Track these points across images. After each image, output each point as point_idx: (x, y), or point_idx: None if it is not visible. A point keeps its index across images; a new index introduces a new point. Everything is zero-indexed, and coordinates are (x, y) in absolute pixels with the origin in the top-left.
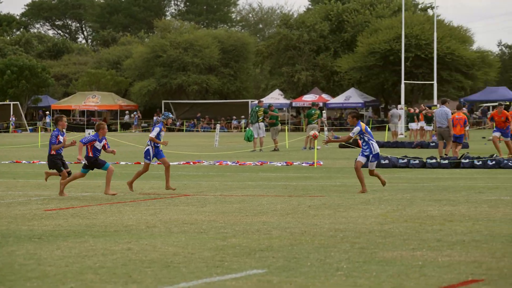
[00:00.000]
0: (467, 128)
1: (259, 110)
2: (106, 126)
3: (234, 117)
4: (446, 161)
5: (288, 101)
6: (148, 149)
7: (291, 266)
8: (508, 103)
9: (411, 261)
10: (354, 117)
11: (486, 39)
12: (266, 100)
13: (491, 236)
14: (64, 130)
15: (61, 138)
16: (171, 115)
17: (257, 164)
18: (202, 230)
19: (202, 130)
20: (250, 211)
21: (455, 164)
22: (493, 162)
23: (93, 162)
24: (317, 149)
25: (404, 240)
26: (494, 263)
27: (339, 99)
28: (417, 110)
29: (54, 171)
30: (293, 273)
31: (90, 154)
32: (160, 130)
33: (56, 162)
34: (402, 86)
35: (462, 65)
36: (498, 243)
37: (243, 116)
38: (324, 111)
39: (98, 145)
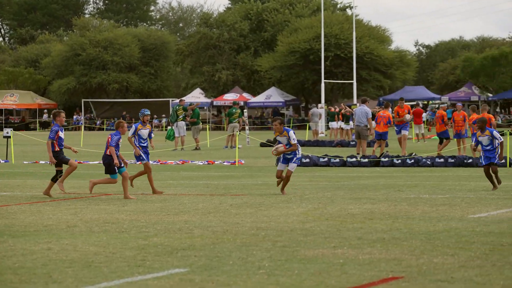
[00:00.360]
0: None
1: (179, 109)
2: (125, 124)
3: (155, 116)
4: (366, 160)
5: (209, 100)
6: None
7: (213, 265)
8: (426, 102)
9: (332, 259)
10: (281, 124)
11: (403, 39)
12: (187, 99)
13: (410, 233)
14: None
15: (61, 134)
16: (147, 112)
17: (179, 163)
18: (123, 229)
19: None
20: (172, 210)
21: (375, 162)
22: (412, 161)
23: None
24: (238, 148)
25: (325, 238)
26: (413, 260)
27: (260, 98)
28: (337, 109)
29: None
30: (215, 272)
31: (108, 153)
32: (136, 129)
33: (60, 158)
34: (322, 85)
35: (380, 64)
36: (417, 240)
37: (164, 115)
38: (245, 110)
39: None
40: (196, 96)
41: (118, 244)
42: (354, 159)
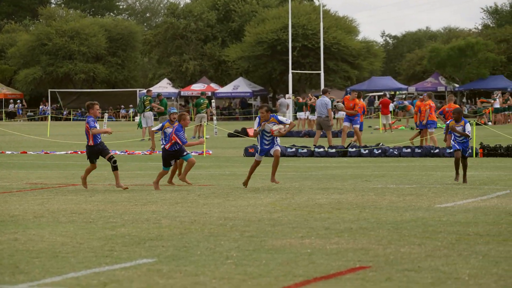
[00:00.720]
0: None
1: (146, 99)
2: (187, 116)
3: (123, 106)
4: (334, 150)
5: (176, 90)
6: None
7: (181, 255)
8: (393, 92)
9: (300, 249)
10: (268, 111)
11: (370, 30)
12: (155, 89)
13: (377, 223)
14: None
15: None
16: (172, 110)
17: (146, 153)
18: (90, 219)
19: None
20: (140, 200)
21: (342, 153)
22: (379, 151)
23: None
24: (206, 138)
25: (293, 228)
26: (380, 250)
27: (228, 88)
28: (305, 100)
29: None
30: (183, 262)
31: (166, 147)
32: (163, 126)
33: (93, 152)
34: (290, 75)
35: (348, 55)
36: (385, 230)
37: (131, 105)
38: (212, 101)
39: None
40: (164, 86)
41: (85, 234)
42: (321, 149)
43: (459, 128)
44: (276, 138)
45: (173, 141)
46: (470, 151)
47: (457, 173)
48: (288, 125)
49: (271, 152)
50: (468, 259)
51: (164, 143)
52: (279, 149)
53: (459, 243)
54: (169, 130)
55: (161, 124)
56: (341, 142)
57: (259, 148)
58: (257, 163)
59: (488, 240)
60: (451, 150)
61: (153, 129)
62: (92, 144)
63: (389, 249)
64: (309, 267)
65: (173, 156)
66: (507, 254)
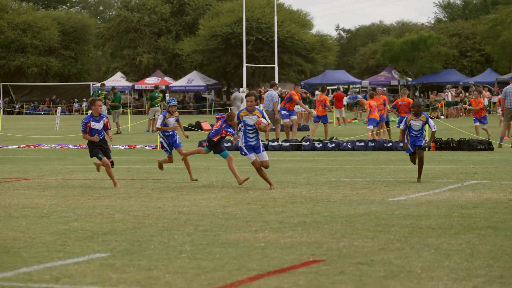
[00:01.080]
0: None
1: (101, 93)
2: (232, 117)
3: (76, 99)
4: (288, 144)
5: (130, 84)
6: (161, 142)
7: (134, 249)
8: (346, 86)
9: (253, 243)
10: (256, 100)
11: (324, 24)
12: (108, 83)
13: (331, 217)
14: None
15: (93, 124)
16: (172, 102)
17: None
18: (43, 214)
19: (43, 112)
20: (93, 194)
21: (297, 146)
22: (333, 145)
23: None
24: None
25: (247, 222)
26: (334, 243)
27: (182, 82)
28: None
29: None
30: (136, 256)
31: (215, 139)
32: (165, 118)
33: (93, 150)
34: (244, 69)
35: (302, 48)
36: (338, 224)
37: (84, 99)
38: (167, 94)
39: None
40: (117, 80)
41: (37, 229)
42: (275, 143)
43: (419, 123)
44: (259, 133)
45: (223, 135)
46: (425, 140)
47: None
48: (268, 124)
49: (262, 158)
50: (421, 252)
51: (164, 137)
52: (267, 159)
53: (412, 236)
54: (170, 121)
55: (162, 117)
56: (291, 136)
57: (244, 145)
58: (258, 164)
59: (440, 233)
60: (407, 152)
61: (158, 125)
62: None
63: (342, 243)
64: (263, 261)
65: (216, 145)
66: (459, 247)
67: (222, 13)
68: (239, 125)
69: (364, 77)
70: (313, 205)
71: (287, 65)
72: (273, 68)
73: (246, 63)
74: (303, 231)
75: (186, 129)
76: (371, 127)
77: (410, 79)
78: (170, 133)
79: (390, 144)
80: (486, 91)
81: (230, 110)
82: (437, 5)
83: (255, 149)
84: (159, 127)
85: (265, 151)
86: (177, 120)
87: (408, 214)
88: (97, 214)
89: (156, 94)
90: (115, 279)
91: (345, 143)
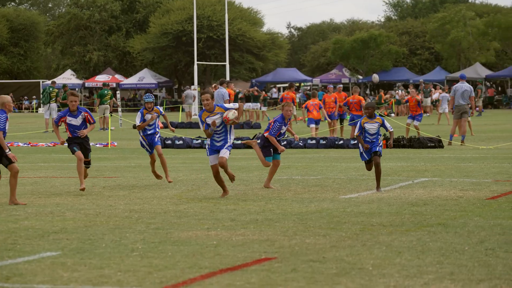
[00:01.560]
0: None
1: (52, 91)
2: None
3: (26, 97)
4: (239, 142)
5: (80, 81)
6: (140, 142)
7: (85, 247)
8: (298, 84)
9: (206, 241)
10: (213, 98)
11: (275, 21)
12: (59, 80)
13: (283, 214)
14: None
15: (69, 119)
16: (148, 98)
17: (50, 145)
18: None
19: None
20: (43, 193)
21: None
22: (284, 142)
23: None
24: (111, 129)
25: (199, 220)
26: (286, 241)
27: (133, 79)
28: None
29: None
30: (87, 255)
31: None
32: (142, 115)
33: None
34: (195, 67)
35: (253, 46)
36: (290, 221)
37: (34, 97)
38: (117, 92)
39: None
40: (68, 78)
41: None
42: None
43: (375, 125)
44: (230, 130)
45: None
46: (381, 145)
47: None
48: (237, 110)
49: (220, 154)
50: (372, 249)
51: (143, 136)
52: (226, 156)
53: (363, 234)
54: (148, 116)
55: (140, 115)
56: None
57: (209, 148)
58: (216, 170)
59: (391, 230)
60: (362, 159)
61: (137, 123)
62: (70, 136)
63: (294, 240)
64: (215, 258)
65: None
66: (410, 244)
67: (173, 10)
68: (209, 129)
69: (315, 75)
70: (265, 202)
71: (238, 63)
72: (224, 66)
73: (197, 61)
74: (255, 229)
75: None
76: (312, 125)
77: (360, 77)
78: (150, 131)
79: (341, 141)
80: (438, 89)
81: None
82: (386, 3)
83: (218, 148)
84: (139, 124)
85: (227, 150)
86: (161, 115)
87: (359, 211)
88: (47, 212)
89: (106, 91)
90: (66, 277)
91: (296, 142)
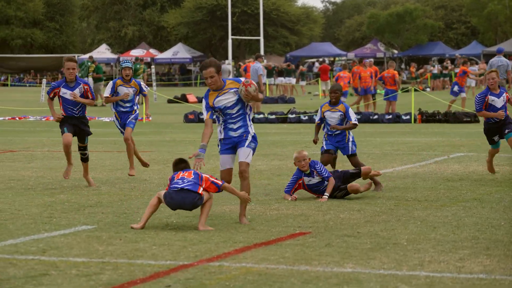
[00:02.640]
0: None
1: (91, 65)
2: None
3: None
4: (273, 116)
5: (115, 56)
6: (113, 120)
7: (120, 221)
8: (332, 58)
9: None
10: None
11: None
12: (94, 54)
13: None
14: None
15: (66, 93)
16: (125, 63)
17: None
18: (29, 186)
19: (28, 84)
20: (79, 167)
21: (282, 119)
22: None
23: None
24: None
25: (233, 196)
26: (320, 216)
27: (167, 54)
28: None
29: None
30: (122, 229)
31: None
32: (114, 85)
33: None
34: (229, 41)
35: (287, 21)
36: None
37: None
38: (152, 66)
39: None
40: (102, 52)
41: (24, 201)
42: (261, 115)
43: (335, 115)
44: (250, 113)
45: None
46: (353, 147)
47: (373, 181)
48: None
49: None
50: (407, 224)
51: (116, 113)
52: (247, 161)
53: (398, 209)
54: (122, 89)
55: (111, 85)
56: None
57: (221, 142)
58: (229, 179)
59: (426, 205)
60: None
61: (105, 94)
62: (63, 114)
63: (328, 215)
64: (249, 233)
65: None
66: (445, 219)
67: None
68: (214, 115)
69: (350, 49)
70: None
71: (272, 38)
72: (259, 40)
73: (231, 36)
74: (289, 203)
75: (171, 101)
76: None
77: (395, 51)
78: (126, 109)
79: (376, 116)
80: (483, 63)
81: None
82: None
83: (235, 145)
84: (107, 96)
85: (250, 149)
86: (141, 94)
87: (394, 186)
88: (83, 186)
89: (138, 65)
90: (101, 251)
91: None
